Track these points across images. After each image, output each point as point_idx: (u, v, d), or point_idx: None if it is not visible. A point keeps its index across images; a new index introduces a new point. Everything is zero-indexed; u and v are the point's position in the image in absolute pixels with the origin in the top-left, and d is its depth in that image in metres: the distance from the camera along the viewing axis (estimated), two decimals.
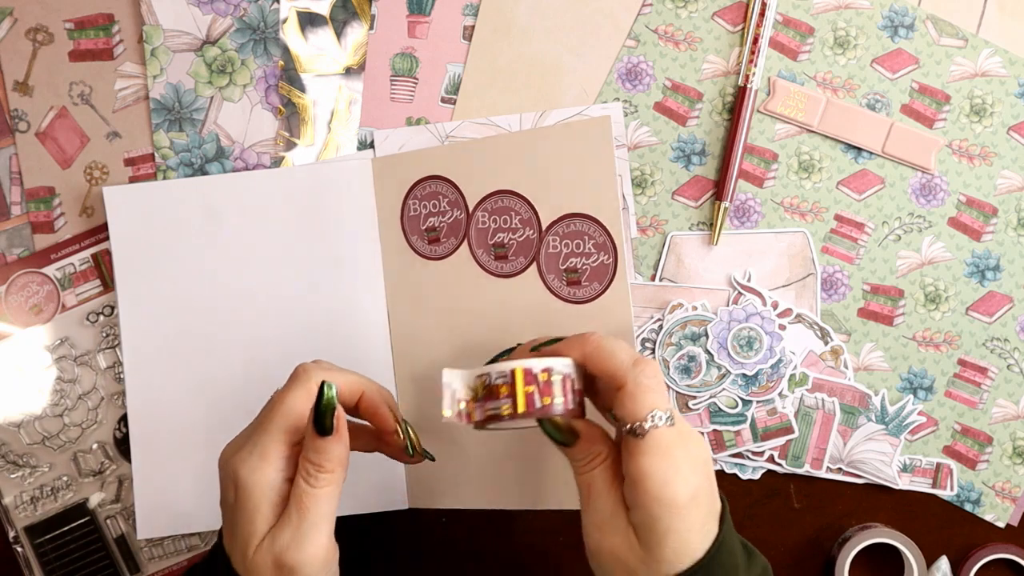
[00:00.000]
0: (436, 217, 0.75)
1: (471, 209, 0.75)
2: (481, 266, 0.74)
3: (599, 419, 0.60)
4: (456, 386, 0.58)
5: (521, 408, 0.55)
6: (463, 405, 0.58)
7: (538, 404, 0.55)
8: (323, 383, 0.57)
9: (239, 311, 0.75)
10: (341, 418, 0.57)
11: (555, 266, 0.73)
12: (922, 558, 0.74)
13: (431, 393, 0.74)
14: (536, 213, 0.73)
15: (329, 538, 0.57)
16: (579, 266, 0.73)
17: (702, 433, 0.76)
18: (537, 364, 0.56)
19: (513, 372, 0.55)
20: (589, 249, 0.72)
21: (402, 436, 0.63)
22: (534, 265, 0.73)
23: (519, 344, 0.64)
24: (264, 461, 0.57)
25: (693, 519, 0.55)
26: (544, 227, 0.73)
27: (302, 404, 0.58)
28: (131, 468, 0.75)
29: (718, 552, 0.55)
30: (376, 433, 0.64)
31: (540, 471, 0.75)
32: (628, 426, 0.55)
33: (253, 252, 0.75)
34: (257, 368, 0.75)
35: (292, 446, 0.58)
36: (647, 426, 0.55)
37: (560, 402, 0.56)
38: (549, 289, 0.73)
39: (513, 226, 0.74)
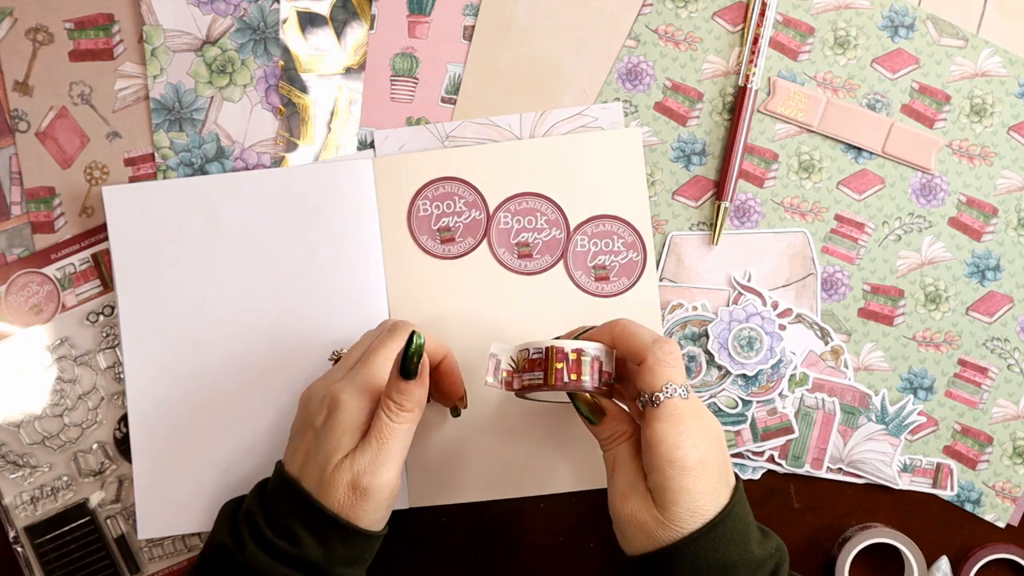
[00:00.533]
0: (451, 217, 0.76)
1: (492, 210, 0.76)
2: (503, 264, 0.76)
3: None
4: (501, 357, 0.65)
5: (551, 381, 0.63)
6: (504, 374, 0.65)
7: (566, 379, 0.63)
8: (413, 332, 0.62)
9: (238, 311, 0.75)
10: (425, 365, 0.63)
11: (583, 263, 0.76)
12: (922, 558, 0.74)
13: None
14: (564, 214, 0.76)
15: (398, 472, 0.63)
16: (608, 263, 0.76)
17: None
18: (569, 345, 0.63)
19: (547, 349, 0.63)
20: (618, 247, 0.76)
21: (465, 404, 0.73)
22: (561, 263, 0.76)
23: (560, 336, 0.69)
24: (362, 392, 0.64)
25: (703, 483, 0.60)
26: (572, 227, 0.76)
27: (374, 350, 0.65)
28: (131, 468, 0.75)
29: (728, 517, 0.60)
30: (439, 390, 0.71)
31: (538, 459, 0.75)
32: (646, 396, 0.61)
33: (253, 252, 0.75)
34: (256, 368, 0.75)
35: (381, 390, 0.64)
36: (662, 397, 0.60)
37: (587, 380, 0.63)
38: (576, 284, 0.76)
39: (539, 226, 0.76)
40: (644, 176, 0.76)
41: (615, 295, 0.76)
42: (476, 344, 0.75)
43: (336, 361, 0.70)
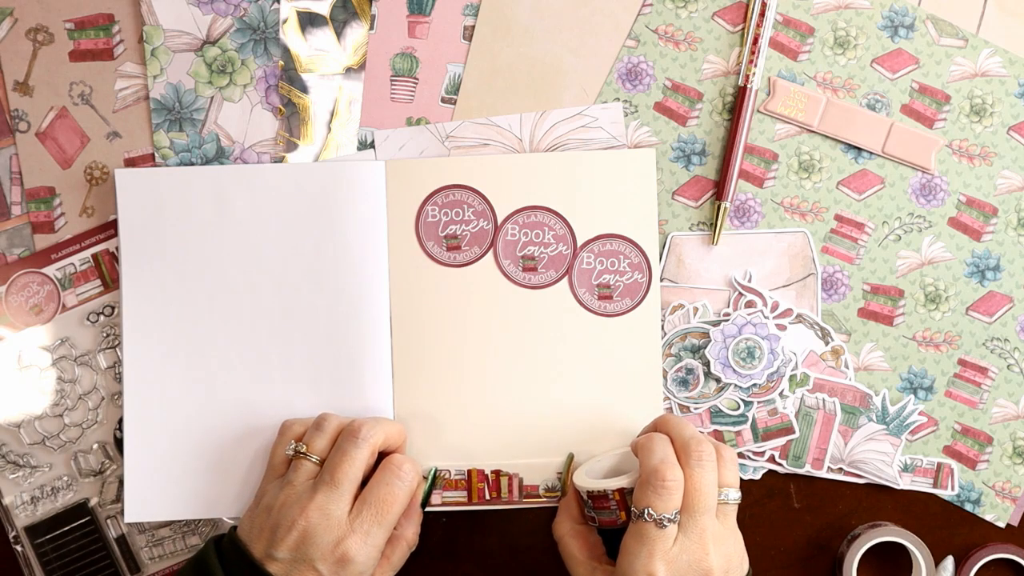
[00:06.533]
0: (459, 225, 0.76)
1: (500, 221, 0.76)
2: (507, 276, 0.76)
3: None
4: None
5: (474, 498, 0.74)
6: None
7: (487, 497, 0.73)
8: (435, 470, 0.74)
9: (241, 302, 0.75)
10: None
11: (587, 281, 0.76)
12: (931, 558, 0.74)
13: (427, 395, 0.75)
14: (571, 230, 0.76)
15: None
16: (612, 282, 0.76)
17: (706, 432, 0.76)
18: (489, 467, 0.74)
19: (469, 472, 0.74)
20: (624, 268, 0.76)
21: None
22: (566, 279, 0.76)
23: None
24: (380, 548, 0.68)
25: None
26: (579, 244, 0.76)
27: (406, 500, 0.70)
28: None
29: None
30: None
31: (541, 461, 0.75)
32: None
33: (259, 247, 0.75)
34: (255, 362, 0.75)
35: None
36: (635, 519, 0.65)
37: (506, 497, 0.73)
38: (579, 302, 0.76)
39: (545, 240, 0.76)
40: (655, 197, 0.76)
41: (617, 315, 0.76)
42: (473, 353, 0.75)
43: (294, 455, 0.69)
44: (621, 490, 0.66)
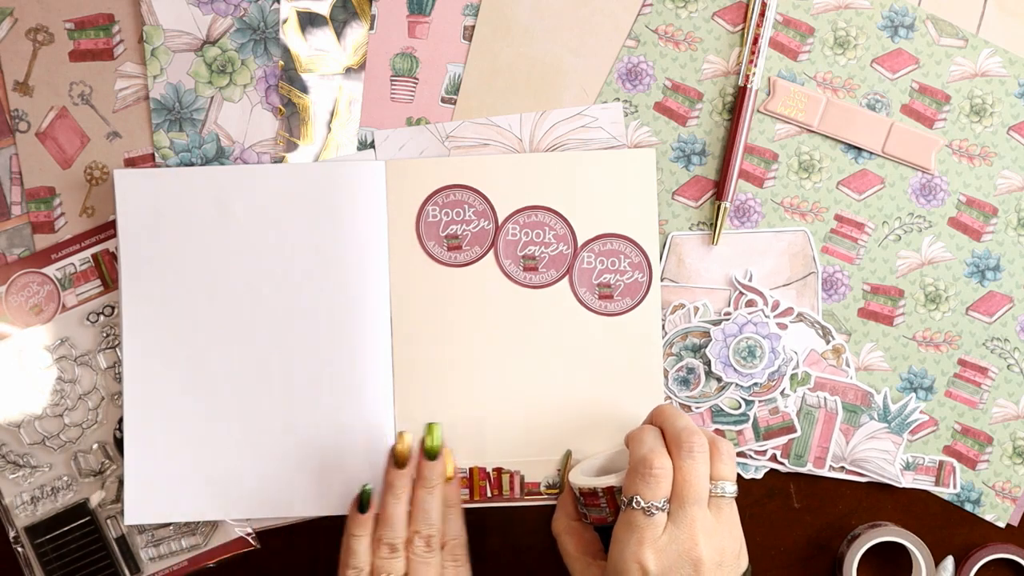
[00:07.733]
0: (459, 225, 0.76)
1: (500, 221, 0.76)
2: (508, 276, 0.76)
3: None
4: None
5: (476, 496, 0.75)
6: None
7: (488, 494, 0.74)
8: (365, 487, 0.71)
9: (241, 303, 0.75)
10: None
11: (588, 280, 0.76)
12: (931, 558, 0.74)
13: (427, 394, 0.76)
14: (572, 230, 0.76)
15: None
16: (612, 282, 0.76)
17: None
18: (491, 464, 0.75)
19: (470, 470, 0.75)
20: (624, 267, 0.76)
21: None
22: (566, 279, 0.76)
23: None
24: None
25: None
26: (580, 244, 0.76)
27: None
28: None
29: None
30: None
31: (540, 460, 0.76)
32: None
33: (259, 248, 0.75)
34: (255, 362, 0.75)
35: None
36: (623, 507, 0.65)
37: (507, 495, 0.74)
38: (580, 301, 0.76)
39: (546, 240, 0.76)
40: (655, 197, 0.76)
41: (617, 314, 0.76)
42: (474, 353, 0.75)
43: None
44: (610, 488, 0.67)
